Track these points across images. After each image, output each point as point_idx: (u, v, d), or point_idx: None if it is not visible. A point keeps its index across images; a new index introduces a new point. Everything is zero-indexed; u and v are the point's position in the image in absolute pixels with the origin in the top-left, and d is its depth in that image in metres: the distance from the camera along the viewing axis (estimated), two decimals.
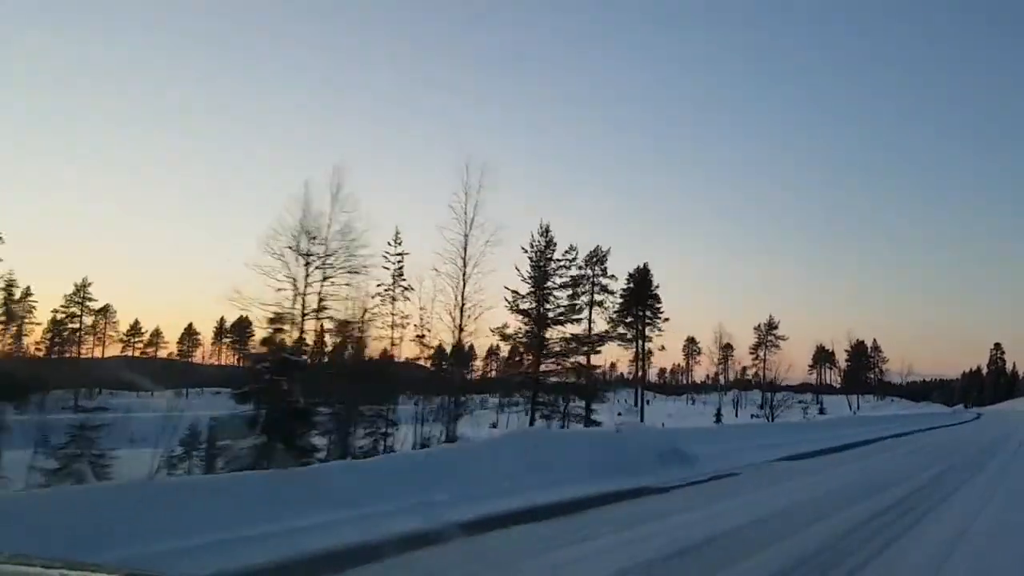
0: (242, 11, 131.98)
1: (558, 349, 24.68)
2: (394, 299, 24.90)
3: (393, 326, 25.10)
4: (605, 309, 60.59)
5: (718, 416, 48.79)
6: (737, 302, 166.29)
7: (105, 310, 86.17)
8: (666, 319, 77.60)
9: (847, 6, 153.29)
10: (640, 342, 64.03)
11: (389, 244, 25.34)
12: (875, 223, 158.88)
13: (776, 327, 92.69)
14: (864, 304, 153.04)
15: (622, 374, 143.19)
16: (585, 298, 60.94)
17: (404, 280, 24.73)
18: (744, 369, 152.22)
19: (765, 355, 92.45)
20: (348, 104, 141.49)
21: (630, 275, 64.01)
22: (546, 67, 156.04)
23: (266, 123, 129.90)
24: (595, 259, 61.20)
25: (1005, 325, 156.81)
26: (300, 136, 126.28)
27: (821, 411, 75.67)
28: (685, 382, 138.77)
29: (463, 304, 21.76)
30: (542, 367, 24.31)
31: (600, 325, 61.27)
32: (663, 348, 67.42)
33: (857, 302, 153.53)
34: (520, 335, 24.54)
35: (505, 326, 24.30)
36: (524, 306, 24.39)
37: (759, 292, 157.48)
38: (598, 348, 24.99)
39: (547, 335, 24.50)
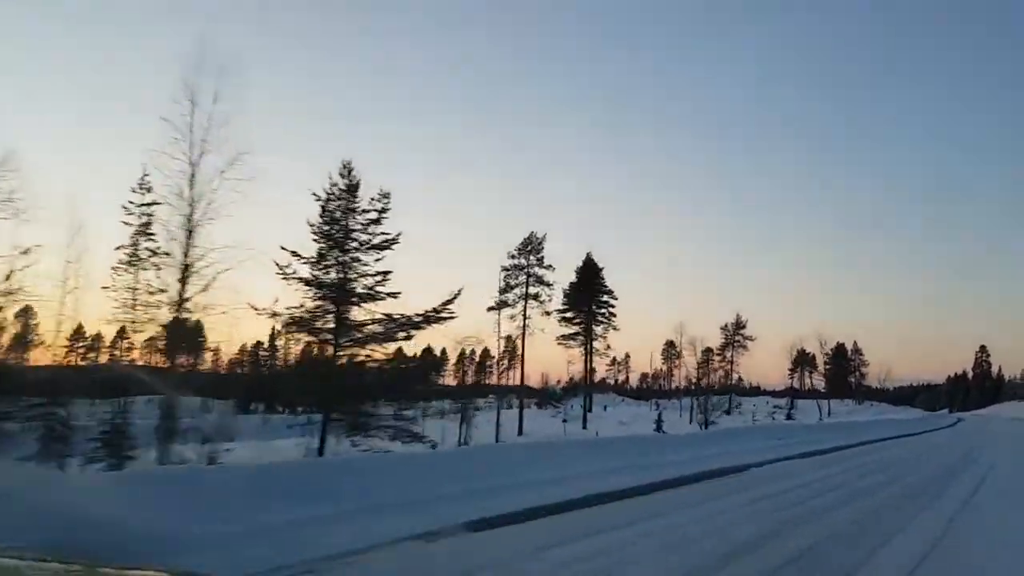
0: None
1: (361, 335, 17.82)
2: (134, 265, 18.30)
3: (137, 305, 18.51)
4: (541, 303, 53.95)
5: (658, 424, 42.57)
6: (724, 305, 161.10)
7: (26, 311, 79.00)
8: (612, 314, 71.13)
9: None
10: (589, 341, 57.13)
11: (133, 191, 18.66)
12: (862, 224, 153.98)
13: (744, 327, 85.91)
14: (850, 307, 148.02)
15: (604, 379, 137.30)
16: (519, 290, 54.32)
17: (154, 240, 18.07)
18: (727, 373, 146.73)
19: (733, 356, 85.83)
20: None
21: (578, 269, 57.45)
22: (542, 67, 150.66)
23: None
24: (530, 247, 54.34)
25: (992, 327, 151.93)
26: None
27: (789, 416, 69.06)
28: (667, 387, 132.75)
29: (187, 265, 15.05)
30: (344, 361, 17.58)
31: (537, 321, 54.56)
32: (609, 347, 60.09)
33: (844, 305, 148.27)
34: (315, 315, 17.71)
35: (300, 306, 17.50)
36: (313, 274, 17.51)
37: (746, 295, 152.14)
38: (414, 331, 17.98)
39: (352, 316, 17.68)
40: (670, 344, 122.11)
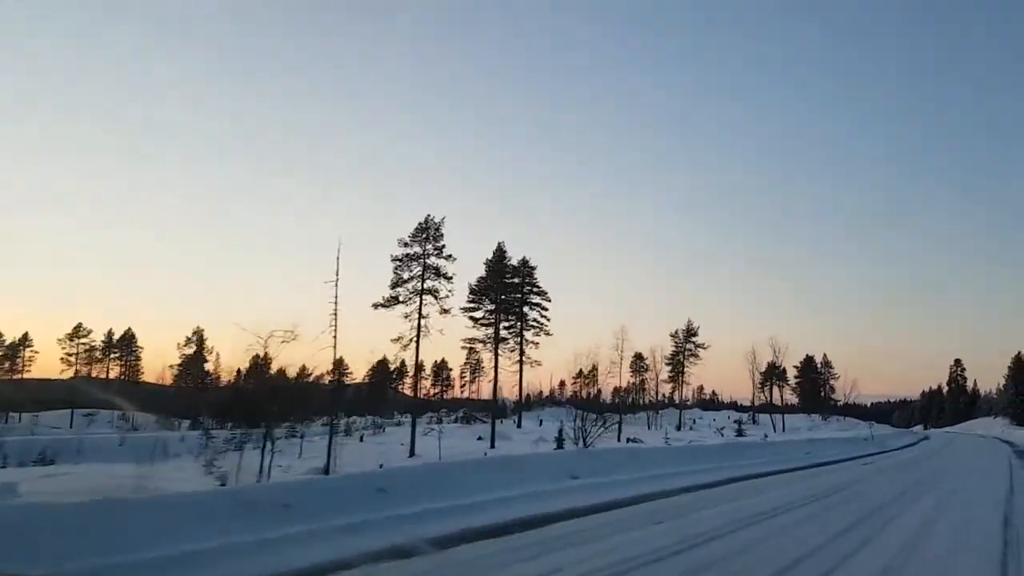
0: None
1: None
2: None
3: None
4: (439, 299, 45.85)
5: (559, 442, 35.00)
6: (701, 320, 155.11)
7: None
8: (545, 316, 63.31)
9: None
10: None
11: None
12: (839, 237, 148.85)
13: (696, 333, 78.11)
14: (828, 322, 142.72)
15: (575, 393, 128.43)
16: (414, 284, 46.23)
17: None
18: (701, 388, 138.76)
19: (683, 365, 77.77)
20: None
21: (487, 261, 49.27)
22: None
23: None
24: (426, 234, 46.59)
25: (969, 341, 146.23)
26: None
27: (740, 433, 60.81)
28: (642, 401, 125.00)
29: None
30: None
31: (436, 321, 46.46)
32: (521, 355, 51.27)
33: (822, 320, 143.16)
34: None
35: None
36: None
37: (720, 312, 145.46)
38: None
39: None
40: (638, 356, 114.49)
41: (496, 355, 45.67)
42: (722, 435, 60.25)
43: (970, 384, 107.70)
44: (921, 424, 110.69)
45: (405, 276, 42.31)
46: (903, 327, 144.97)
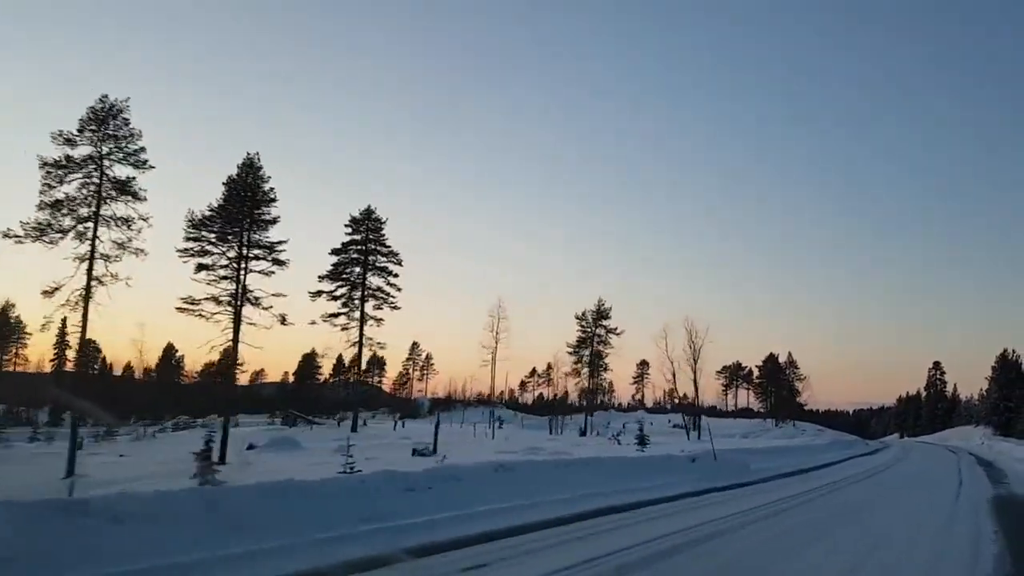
0: None
1: None
2: None
3: None
4: (122, 227, 28.63)
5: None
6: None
7: None
8: (394, 285, 48.24)
9: None
10: (241, 307, 33.09)
11: None
12: (818, 241, 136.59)
13: (607, 316, 62.75)
14: (808, 325, 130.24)
15: (542, 394, 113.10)
16: (83, 209, 27.57)
17: None
18: (672, 391, 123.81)
19: (592, 355, 62.29)
20: None
21: (229, 180, 33.24)
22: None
23: None
24: (102, 128, 29.90)
25: (950, 344, 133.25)
26: None
27: (642, 441, 45.20)
28: (605, 402, 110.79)
29: None
30: None
31: (127, 266, 28.85)
32: (361, 334, 35.66)
33: (804, 324, 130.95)
34: None
35: None
36: None
37: (698, 314, 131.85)
38: None
39: None
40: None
41: (237, 322, 30.21)
42: (619, 443, 45.46)
43: (950, 389, 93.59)
44: (898, 432, 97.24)
45: (72, 192, 26.77)
46: (885, 332, 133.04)
